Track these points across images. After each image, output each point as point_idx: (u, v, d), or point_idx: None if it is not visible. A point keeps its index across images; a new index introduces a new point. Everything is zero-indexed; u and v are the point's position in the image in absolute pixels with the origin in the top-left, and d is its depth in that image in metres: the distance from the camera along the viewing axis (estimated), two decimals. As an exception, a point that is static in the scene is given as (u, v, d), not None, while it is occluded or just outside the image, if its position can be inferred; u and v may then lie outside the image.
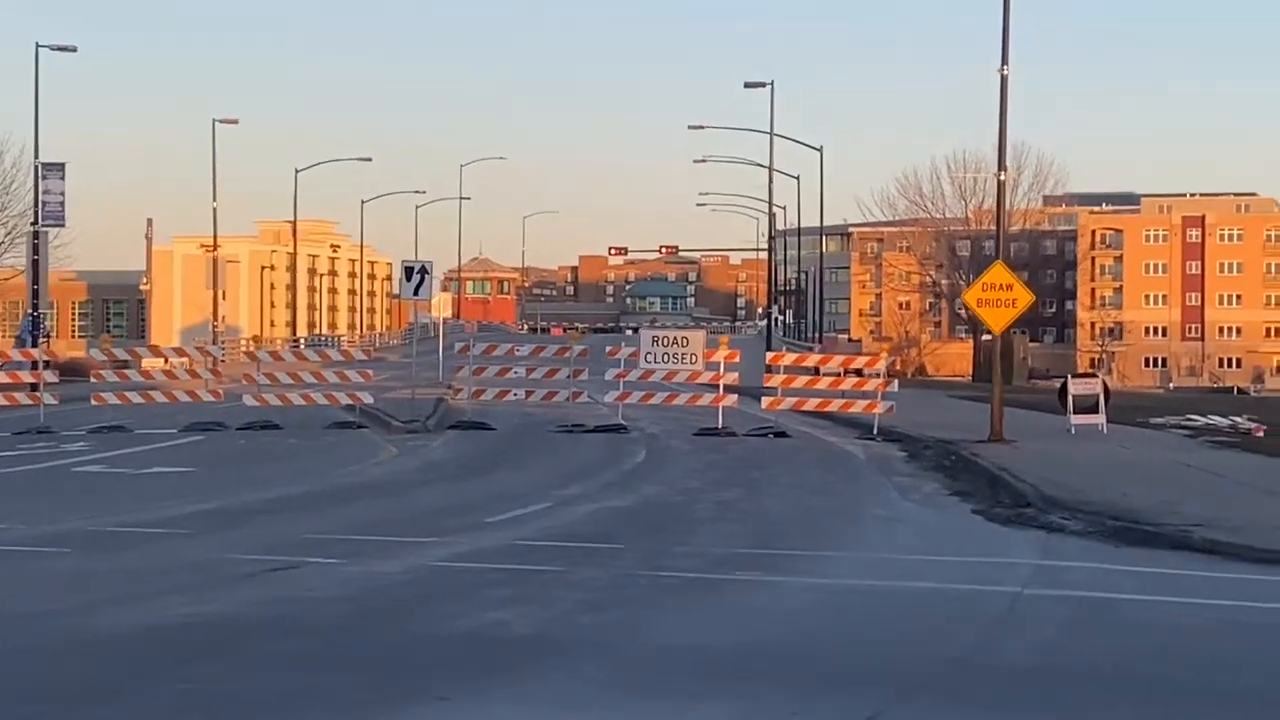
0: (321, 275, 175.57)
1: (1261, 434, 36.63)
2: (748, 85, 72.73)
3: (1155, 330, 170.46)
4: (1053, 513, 22.12)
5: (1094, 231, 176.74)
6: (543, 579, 15.75)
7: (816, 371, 42.39)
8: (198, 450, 33.39)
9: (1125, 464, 29.52)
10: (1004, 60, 35.48)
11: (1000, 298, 35.02)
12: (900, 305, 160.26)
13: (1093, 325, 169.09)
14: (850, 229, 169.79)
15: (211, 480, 26.81)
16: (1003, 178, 37.18)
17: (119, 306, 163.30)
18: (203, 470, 28.82)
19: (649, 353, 39.07)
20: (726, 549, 18.47)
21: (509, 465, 30.14)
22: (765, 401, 39.42)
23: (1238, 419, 40.38)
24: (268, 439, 36.15)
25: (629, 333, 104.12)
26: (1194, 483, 26.29)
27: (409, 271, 40.97)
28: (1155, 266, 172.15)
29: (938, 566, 17.51)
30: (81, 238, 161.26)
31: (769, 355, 41.80)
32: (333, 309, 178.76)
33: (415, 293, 41.00)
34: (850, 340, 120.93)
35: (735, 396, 39.37)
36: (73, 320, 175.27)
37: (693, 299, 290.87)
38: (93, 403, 40.12)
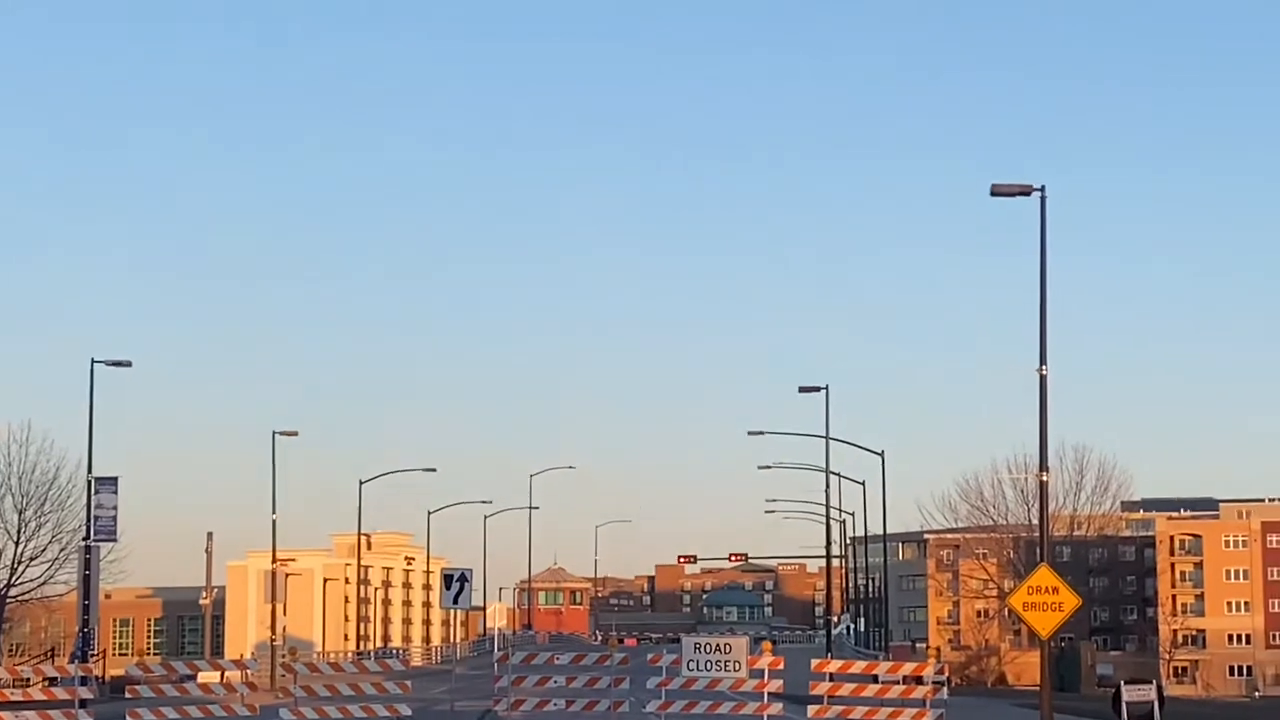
0: (395, 587, 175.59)
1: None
2: (802, 390, 72.65)
3: (1238, 637, 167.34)
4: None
5: (1172, 537, 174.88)
6: None
7: (874, 679, 41.48)
8: (224, 766, 32.66)
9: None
10: (1042, 360, 35.18)
11: (1046, 601, 34.19)
12: (978, 613, 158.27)
13: (1175, 633, 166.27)
14: (926, 535, 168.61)
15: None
16: (1045, 478, 36.60)
17: (194, 622, 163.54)
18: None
19: (691, 660, 38.27)
20: None
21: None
22: (811, 710, 38.44)
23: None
24: (300, 753, 35.36)
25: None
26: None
27: (448, 580, 40.55)
28: (1236, 573, 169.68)
29: None
30: (154, 554, 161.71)
31: (815, 663, 40.87)
32: (407, 621, 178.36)
33: (455, 601, 40.53)
34: (928, 649, 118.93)
35: (781, 705, 38.47)
36: (148, 636, 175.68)
37: (770, 608, 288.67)
38: (128, 719, 39.50)
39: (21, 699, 42.06)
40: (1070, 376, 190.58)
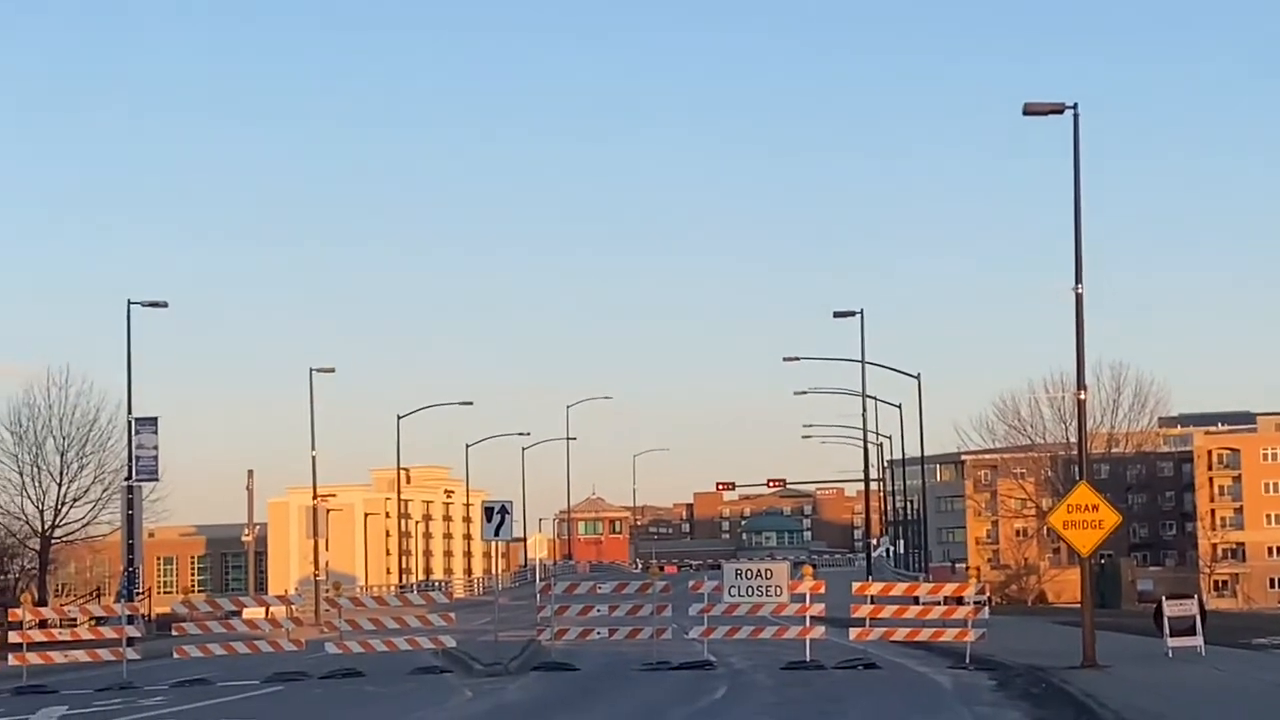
0: (435, 521, 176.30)
1: (1367, 651, 35.38)
2: (837, 314, 72.56)
3: (1278, 550, 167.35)
4: (1128, 739, 21.28)
5: (1210, 452, 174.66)
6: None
7: (916, 601, 41.69)
8: (272, 701, 32.99)
9: (1215, 687, 28.51)
10: (1078, 279, 35.06)
11: (1086, 519, 34.21)
12: (1017, 532, 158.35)
13: (1214, 547, 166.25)
14: (963, 456, 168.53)
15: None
16: (1083, 397, 36.51)
17: (237, 559, 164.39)
18: (268, 722, 28.35)
19: (732, 586, 38.45)
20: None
21: (579, 706, 29.47)
22: (854, 632, 38.75)
23: (1344, 636, 39.10)
24: (347, 687, 35.64)
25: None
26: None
27: (489, 512, 40.72)
28: (1275, 485, 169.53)
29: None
30: (196, 492, 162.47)
31: (856, 585, 41.10)
32: (448, 553, 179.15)
33: (495, 533, 40.65)
34: (968, 569, 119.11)
35: (823, 628, 38.65)
36: (192, 574, 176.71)
37: (809, 532, 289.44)
38: (175, 656, 39.93)
39: (70, 638, 42.57)
40: (1106, 293, 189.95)
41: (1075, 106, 34.95)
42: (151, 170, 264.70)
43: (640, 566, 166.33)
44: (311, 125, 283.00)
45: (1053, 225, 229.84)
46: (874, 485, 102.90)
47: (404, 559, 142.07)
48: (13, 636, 39.09)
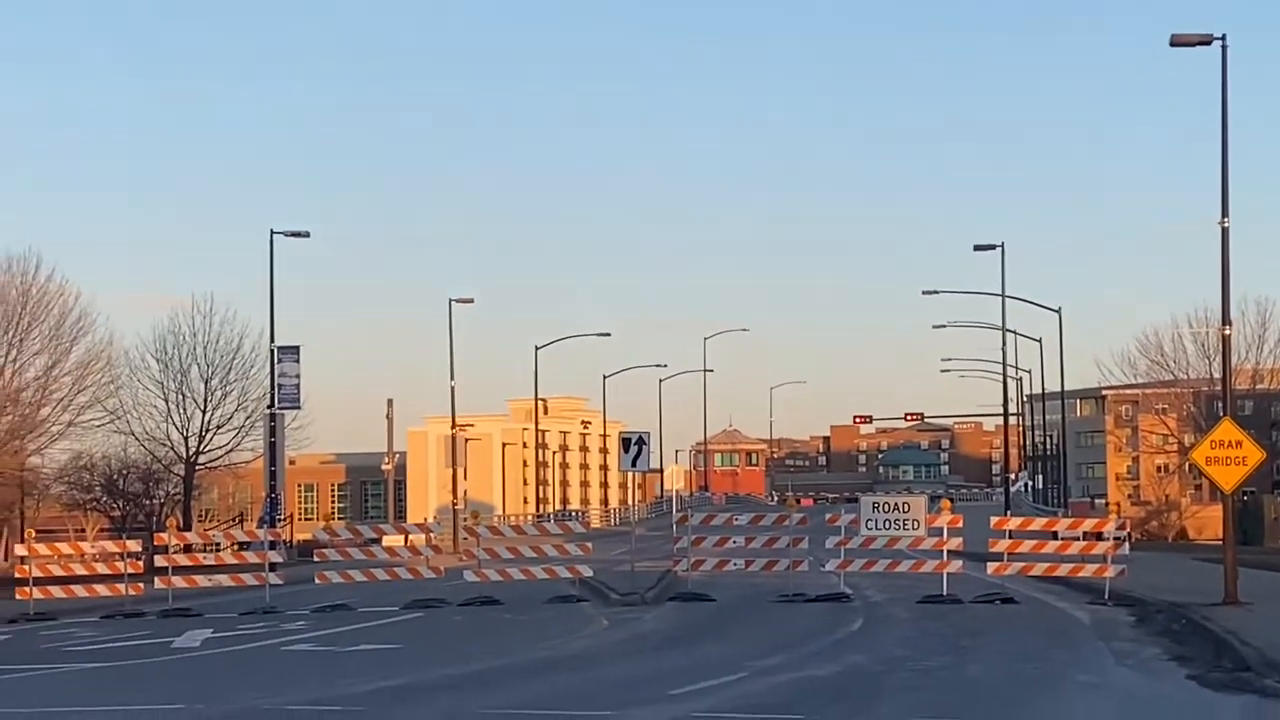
0: (571, 451, 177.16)
1: None
2: (977, 248, 71.82)
3: None
4: (1271, 677, 21.04)
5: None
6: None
7: (1054, 536, 41.45)
8: (412, 627, 33.39)
9: (1361, 626, 28.07)
10: (1224, 213, 34.56)
11: (1229, 455, 33.82)
12: (1158, 468, 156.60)
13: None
14: (1104, 391, 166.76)
15: (412, 656, 26.67)
16: (1228, 332, 36.02)
17: (376, 487, 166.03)
18: (408, 646, 28.71)
19: (869, 519, 38.42)
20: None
21: (716, 636, 29.58)
22: (991, 567, 38.58)
23: None
24: (485, 615, 36.04)
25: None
26: None
27: (626, 443, 40.89)
28: None
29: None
30: (336, 420, 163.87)
31: (994, 520, 40.89)
32: (584, 484, 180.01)
33: (633, 464, 40.82)
34: (1108, 505, 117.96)
35: (961, 562, 38.52)
36: (332, 501, 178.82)
37: (946, 466, 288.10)
38: (317, 582, 40.53)
39: (214, 563, 43.36)
40: (1251, 226, 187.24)
41: (1224, 38, 34.41)
42: (294, 101, 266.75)
43: (776, 499, 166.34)
44: (452, 57, 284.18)
45: (1198, 156, 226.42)
46: (1013, 420, 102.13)
47: (540, 489, 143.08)
48: (158, 560, 39.82)
